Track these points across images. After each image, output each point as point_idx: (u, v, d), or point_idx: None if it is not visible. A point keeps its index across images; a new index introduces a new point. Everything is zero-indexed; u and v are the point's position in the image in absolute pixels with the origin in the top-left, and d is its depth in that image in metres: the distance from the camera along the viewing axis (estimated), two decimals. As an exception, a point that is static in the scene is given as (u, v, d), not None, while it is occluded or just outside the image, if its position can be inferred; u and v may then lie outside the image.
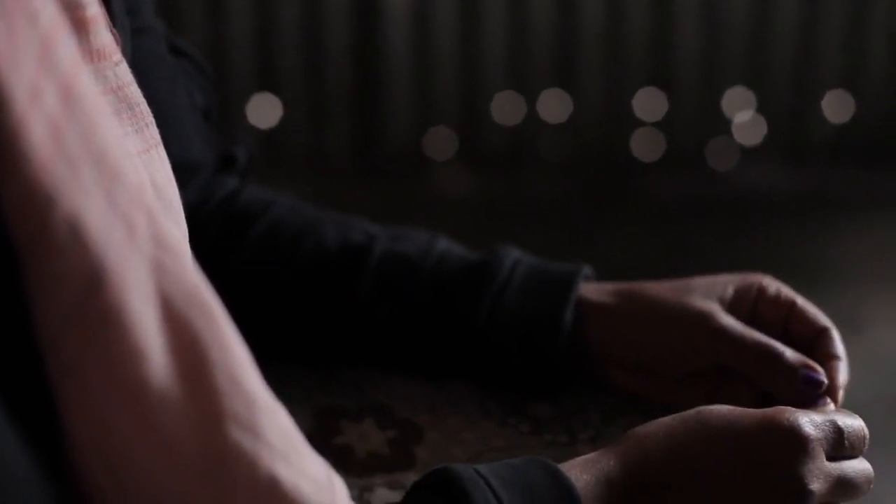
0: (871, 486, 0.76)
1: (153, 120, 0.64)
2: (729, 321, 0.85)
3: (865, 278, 2.62)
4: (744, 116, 2.99)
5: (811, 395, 0.79)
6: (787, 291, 0.87)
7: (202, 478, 0.55)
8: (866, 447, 0.76)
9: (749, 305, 0.86)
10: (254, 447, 0.56)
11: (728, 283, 0.87)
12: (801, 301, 0.86)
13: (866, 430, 0.76)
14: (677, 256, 2.68)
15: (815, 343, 0.85)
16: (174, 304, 0.55)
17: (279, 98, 2.94)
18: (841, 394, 0.82)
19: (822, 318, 0.86)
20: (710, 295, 0.87)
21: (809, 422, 0.72)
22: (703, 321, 0.85)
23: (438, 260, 0.91)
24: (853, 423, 0.75)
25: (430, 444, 0.88)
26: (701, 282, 0.88)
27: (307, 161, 3.00)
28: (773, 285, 0.87)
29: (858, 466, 0.75)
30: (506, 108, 2.97)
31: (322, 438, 0.88)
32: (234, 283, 0.92)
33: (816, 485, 0.71)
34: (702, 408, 0.75)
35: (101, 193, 0.54)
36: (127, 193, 0.55)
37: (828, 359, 0.83)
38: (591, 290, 0.89)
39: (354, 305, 0.91)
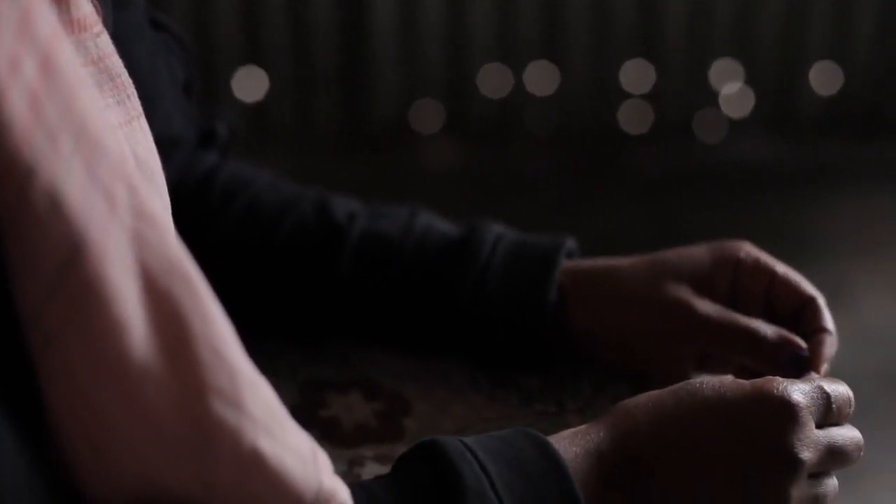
0: (862, 454, 0.75)
1: (135, 91, 0.63)
2: (706, 308, 0.85)
3: (853, 250, 2.62)
4: (731, 88, 2.99)
5: (796, 374, 0.79)
6: (766, 259, 0.86)
7: (185, 452, 0.55)
8: (852, 411, 0.76)
9: (728, 278, 0.86)
10: (237, 421, 0.55)
11: (704, 257, 0.87)
12: (783, 269, 0.86)
13: (851, 395, 0.76)
14: (664, 229, 2.68)
15: (801, 314, 0.85)
16: (155, 277, 0.55)
17: (265, 71, 2.93)
18: (825, 367, 0.82)
19: (807, 287, 0.85)
20: (685, 276, 0.86)
21: (798, 390, 0.72)
22: (680, 310, 0.85)
23: (419, 239, 0.90)
24: (839, 388, 0.75)
25: (418, 415, 0.88)
26: (676, 260, 0.87)
27: (293, 134, 2.99)
28: (751, 255, 0.86)
29: (847, 434, 0.75)
30: (493, 80, 2.96)
31: (307, 411, 0.88)
32: (214, 260, 0.92)
33: (807, 454, 0.71)
34: (691, 380, 0.74)
35: (82, 165, 0.53)
36: (107, 165, 0.54)
37: (815, 331, 0.83)
38: (571, 272, 0.89)
39: (334, 286, 0.91)
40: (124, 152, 0.58)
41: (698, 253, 0.87)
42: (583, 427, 0.73)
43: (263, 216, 0.93)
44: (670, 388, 0.74)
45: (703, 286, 0.86)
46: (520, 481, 0.67)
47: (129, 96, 0.62)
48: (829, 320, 0.84)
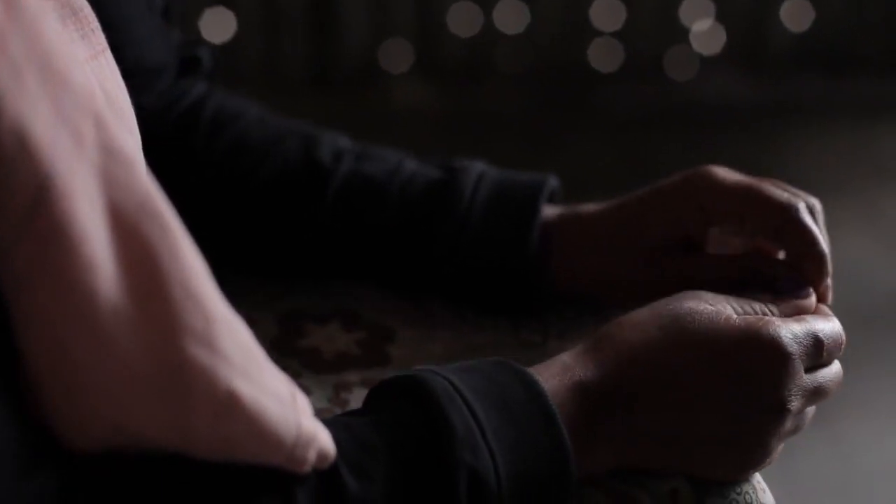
0: (839, 387, 0.75)
1: (98, 25, 0.62)
2: (695, 260, 0.83)
3: (824, 186, 2.62)
4: (702, 25, 2.98)
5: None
6: (734, 180, 0.82)
7: (159, 395, 0.53)
8: (843, 350, 0.75)
9: (700, 213, 0.83)
10: (211, 362, 0.54)
11: (679, 197, 0.84)
12: (749, 186, 0.81)
13: (844, 336, 0.75)
14: (637, 167, 2.67)
15: (781, 232, 0.80)
16: (125, 214, 0.53)
17: (233, 12, 2.90)
18: (827, 284, 0.80)
19: (781, 198, 0.80)
20: (667, 225, 0.84)
21: (792, 337, 0.71)
22: (668, 264, 0.83)
23: (405, 183, 0.89)
24: (832, 331, 0.74)
25: (404, 341, 0.86)
26: (649, 211, 0.85)
27: (262, 75, 2.96)
28: (718, 179, 0.82)
29: (831, 373, 0.74)
30: (462, 19, 2.94)
31: (286, 342, 0.86)
32: (198, 194, 0.91)
33: (795, 403, 0.71)
34: (678, 309, 0.72)
35: (48, 101, 0.52)
36: (74, 101, 0.53)
37: (803, 253, 0.79)
38: (554, 219, 0.88)
39: (317, 225, 0.89)
40: (91, 87, 0.56)
41: (667, 196, 0.85)
42: (570, 360, 0.72)
43: (250, 151, 0.91)
44: (658, 319, 0.72)
45: (681, 233, 0.84)
46: (509, 426, 0.66)
47: (93, 30, 0.61)
48: (816, 235, 0.80)
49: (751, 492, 0.73)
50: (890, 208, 2.61)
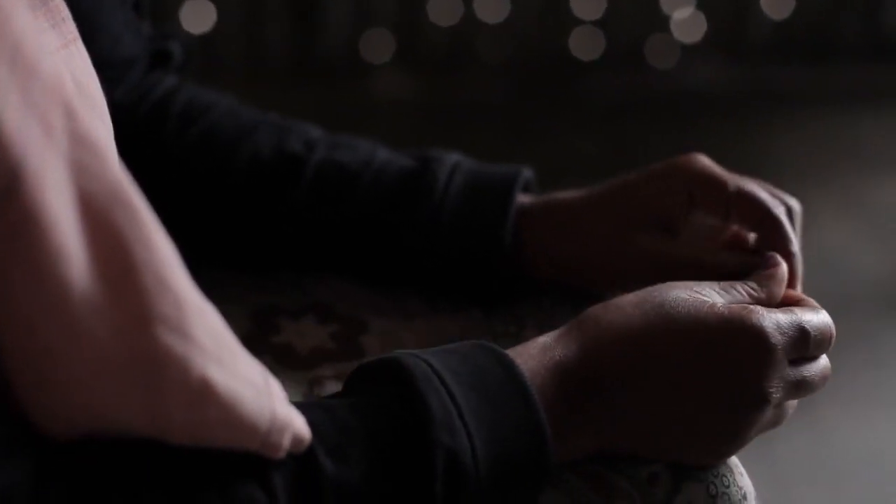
0: (826, 383, 0.74)
1: (69, 14, 0.62)
2: (672, 250, 0.83)
3: (804, 173, 2.63)
4: (683, 13, 2.98)
5: None
6: (719, 173, 0.83)
7: (132, 383, 0.53)
8: (832, 343, 0.73)
9: (684, 200, 0.83)
10: (184, 349, 0.54)
11: (660, 184, 0.84)
12: (736, 182, 0.82)
13: (833, 329, 0.73)
14: (618, 155, 2.67)
15: (760, 229, 0.82)
16: (96, 203, 0.53)
17: (212, 3, 2.89)
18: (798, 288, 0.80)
19: (764, 199, 0.81)
20: (646, 213, 0.84)
21: (776, 327, 0.70)
22: (647, 255, 0.83)
23: (378, 171, 0.88)
24: (820, 323, 0.73)
25: (377, 332, 0.86)
26: (635, 195, 0.84)
27: (243, 67, 2.96)
28: (705, 170, 0.83)
29: (817, 367, 0.73)
30: (443, 8, 2.94)
31: (260, 338, 0.86)
32: (170, 186, 0.91)
33: (777, 394, 0.70)
34: (664, 296, 0.72)
35: (17, 90, 0.52)
36: (43, 90, 0.53)
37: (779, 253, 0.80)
38: (529, 208, 0.87)
39: (290, 215, 0.89)
40: (62, 77, 0.56)
41: (654, 180, 0.85)
42: (548, 341, 0.71)
43: (221, 144, 0.91)
44: (641, 303, 0.72)
45: (663, 217, 0.84)
46: (486, 407, 0.66)
47: (63, 19, 0.61)
48: (790, 237, 0.81)
49: (728, 476, 0.73)
50: (870, 196, 2.61)
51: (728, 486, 0.73)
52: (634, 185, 0.85)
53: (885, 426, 1.99)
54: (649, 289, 0.73)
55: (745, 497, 0.74)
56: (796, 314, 0.72)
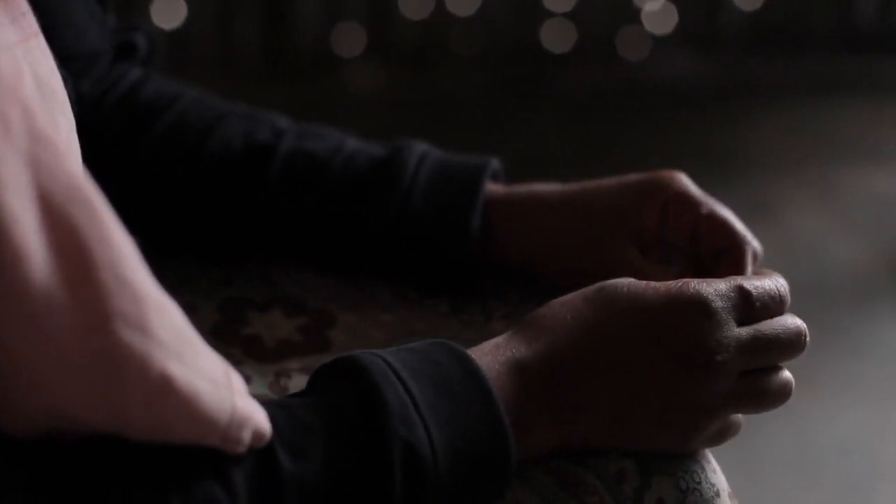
0: (806, 340, 0.74)
1: (29, 8, 0.61)
2: (638, 262, 0.83)
3: (777, 164, 2.64)
4: (654, 5, 2.99)
5: None
6: (694, 194, 0.83)
7: (92, 380, 0.53)
8: (787, 301, 0.73)
9: (657, 215, 0.83)
10: (144, 346, 0.53)
11: (634, 195, 0.84)
12: (709, 207, 0.83)
13: (780, 285, 0.74)
14: (590, 146, 2.68)
15: (722, 256, 0.82)
16: (54, 201, 0.53)
17: (183, -2, 2.89)
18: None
19: (732, 228, 0.82)
20: (620, 226, 0.84)
21: (713, 291, 0.71)
22: (615, 263, 0.83)
23: (346, 160, 0.89)
24: (762, 282, 0.73)
25: (345, 327, 0.86)
26: (607, 200, 0.85)
27: (214, 61, 2.95)
28: (680, 189, 0.83)
29: (779, 324, 0.73)
30: (414, 1, 2.94)
31: (228, 330, 0.86)
32: (139, 177, 0.91)
33: (724, 354, 0.70)
34: (604, 283, 0.73)
35: None
36: (0, 87, 0.52)
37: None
38: (498, 199, 0.88)
39: (259, 204, 0.89)
40: (20, 72, 0.56)
41: (633, 193, 0.85)
42: (502, 340, 0.72)
43: (189, 134, 0.91)
44: (583, 292, 0.73)
45: (635, 232, 0.84)
46: (444, 402, 0.66)
47: (23, 13, 0.60)
48: (747, 272, 0.81)
49: (699, 472, 0.73)
50: (844, 185, 2.62)
51: (700, 483, 0.72)
52: (613, 193, 0.86)
53: (859, 416, 2.00)
54: (597, 283, 0.74)
55: (717, 494, 0.73)
56: (736, 279, 0.73)
